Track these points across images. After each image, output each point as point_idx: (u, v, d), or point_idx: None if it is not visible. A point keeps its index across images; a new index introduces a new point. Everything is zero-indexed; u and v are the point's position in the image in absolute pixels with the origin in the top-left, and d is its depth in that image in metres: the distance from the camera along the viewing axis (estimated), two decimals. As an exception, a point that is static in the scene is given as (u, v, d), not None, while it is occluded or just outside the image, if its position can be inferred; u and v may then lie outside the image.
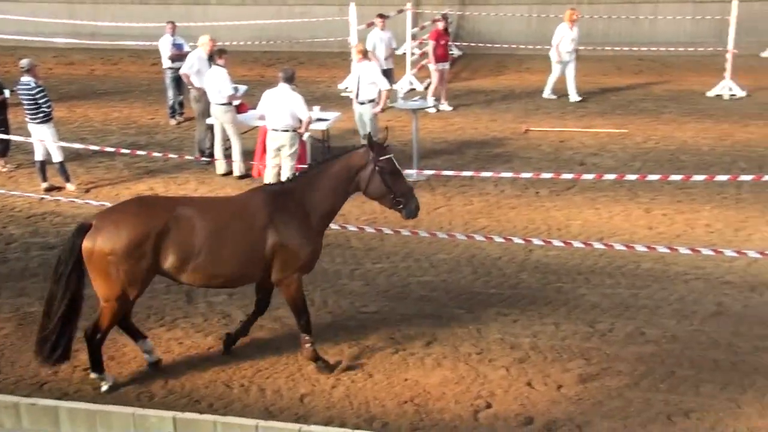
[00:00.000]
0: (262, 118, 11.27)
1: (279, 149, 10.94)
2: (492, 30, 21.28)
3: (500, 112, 15.57)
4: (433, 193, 11.40)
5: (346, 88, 16.42)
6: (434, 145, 13.53)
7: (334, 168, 6.92)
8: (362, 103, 12.30)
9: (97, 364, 6.84)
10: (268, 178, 11.18)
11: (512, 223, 10.28)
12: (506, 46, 20.38)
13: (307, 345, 7.05)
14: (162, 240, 6.45)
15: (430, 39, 15.77)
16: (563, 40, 15.86)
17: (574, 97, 16.08)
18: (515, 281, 8.81)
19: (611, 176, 9.75)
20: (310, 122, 11.13)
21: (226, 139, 12.23)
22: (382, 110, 12.52)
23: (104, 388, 6.86)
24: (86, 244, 6.43)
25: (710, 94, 16.25)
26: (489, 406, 6.60)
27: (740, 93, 16.08)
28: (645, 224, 10.17)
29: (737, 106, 15.47)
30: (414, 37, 18.51)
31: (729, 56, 16.03)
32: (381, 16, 15.81)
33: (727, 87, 16.13)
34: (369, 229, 9.70)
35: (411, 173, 11.80)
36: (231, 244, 6.61)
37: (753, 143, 13.23)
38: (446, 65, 15.84)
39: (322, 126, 12.27)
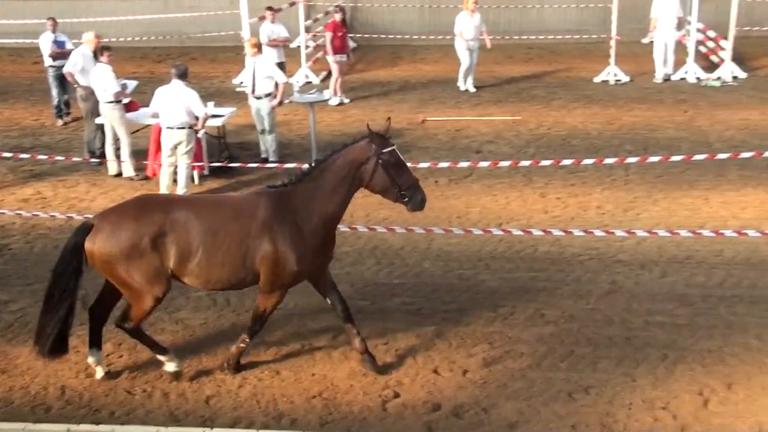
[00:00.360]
0: (155, 115, 10.97)
1: (175, 147, 10.70)
2: (385, 20, 21.39)
3: (397, 102, 15.67)
4: (333, 185, 11.35)
5: (241, 82, 16.18)
6: (333, 138, 13.49)
7: (336, 165, 6.58)
8: (259, 98, 12.14)
9: (155, 346, 6.87)
10: (164, 177, 10.91)
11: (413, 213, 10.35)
12: (400, 36, 20.53)
13: (242, 345, 6.91)
14: (160, 241, 6.34)
15: (327, 30, 15.68)
16: (466, 29, 16.02)
17: (470, 87, 16.30)
18: (418, 270, 8.90)
19: (506, 163, 9.97)
20: (206, 119, 10.92)
21: (116, 139, 11.84)
22: (280, 103, 12.39)
23: (170, 369, 6.88)
24: (87, 245, 6.41)
25: (597, 80, 16.84)
26: (397, 395, 6.65)
27: (624, 78, 16.73)
28: (540, 209, 10.46)
29: (622, 91, 16.09)
30: (308, 29, 18.39)
31: (613, 43, 16.66)
32: (270, 8, 15.64)
33: (612, 73, 16.75)
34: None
35: (310, 167, 11.75)
36: (225, 248, 6.43)
37: (638, 126, 13.78)
38: (344, 57, 15.79)
39: (217, 122, 12.04)
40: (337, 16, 15.59)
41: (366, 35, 20.64)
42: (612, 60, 16.70)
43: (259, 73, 12.06)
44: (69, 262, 6.47)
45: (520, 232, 9.02)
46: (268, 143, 12.36)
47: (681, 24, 16.90)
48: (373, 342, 7.38)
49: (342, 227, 9.46)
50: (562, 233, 8.86)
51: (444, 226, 9.63)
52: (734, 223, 9.63)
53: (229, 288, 6.82)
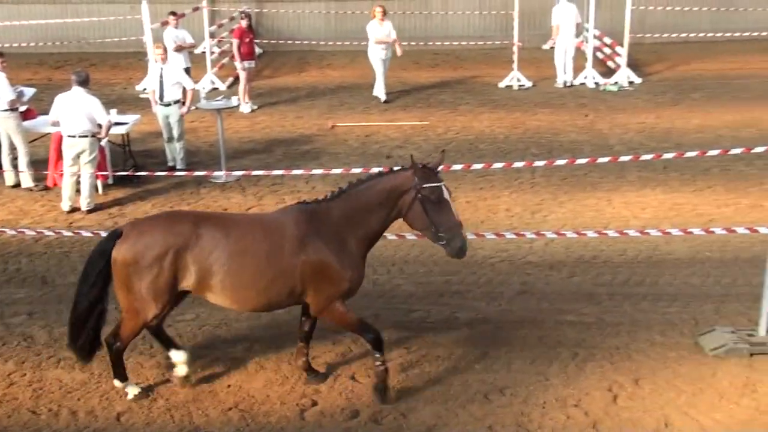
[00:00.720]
0: (55, 123, 10.58)
1: (77, 156, 10.34)
2: (291, 26, 21.31)
3: (305, 108, 15.61)
4: (244, 193, 11.22)
5: (144, 89, 15.78)
6: (242, 145, 13.34)
7: (375, 189, 6.29)
8: (168, 105, 11.89)
9: (119, 372, 6.63)
10: (66, 187, 10.53)
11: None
12: (307, 42, 20.47)
13: (380, 367, 6.49)
14: (182, 257, 6.11)
15: (234, 37, 15.47)
16: (378, 37, 16.00)
17: (382, 95, 16.18)
18: (332, 277, 8.85)
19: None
20: (110, 126, 10.60)
21: (13, 149, 11.37)
22: (188, 110, 12.15)
23: (130, 396, 6.63)
24: (113, 251, 6.28)
25: (501, 85, 17.21)
26: (315, 403, 6.59)
27: (527, 83, 17.17)
28: (451, 212, 10.57)
29: (525, 96, 16.50)
30: (212, 35, 18.11)
31: (515, 49, 17.07)
32: (173, 14, 15.34)
33: (515, 78, 17.17)
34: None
35: (220, 175, 11.58)
36: (255, 267, 6.17)
37: (542, 130, 14.16)
38: (252, 63, 15.61)
39: (121, 130, 11.70)
40: (243, 22, 15.40)
41: (272, 41, 20.49)
42: (515, 66, 17.12)
43: (166, 80, 11.81)
44: (95, 266, 6.32)
45: (432, 236, 9.08)
46: (176, 151, 12.11)
47: (579, 30, 17.49)
48: (288, 350, 7.29)
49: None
50: (473, 236, 8.99)
51: (357, 232, 9.62)
52: (636, 223, 10.01)
53: (260, 309, 6.59)
